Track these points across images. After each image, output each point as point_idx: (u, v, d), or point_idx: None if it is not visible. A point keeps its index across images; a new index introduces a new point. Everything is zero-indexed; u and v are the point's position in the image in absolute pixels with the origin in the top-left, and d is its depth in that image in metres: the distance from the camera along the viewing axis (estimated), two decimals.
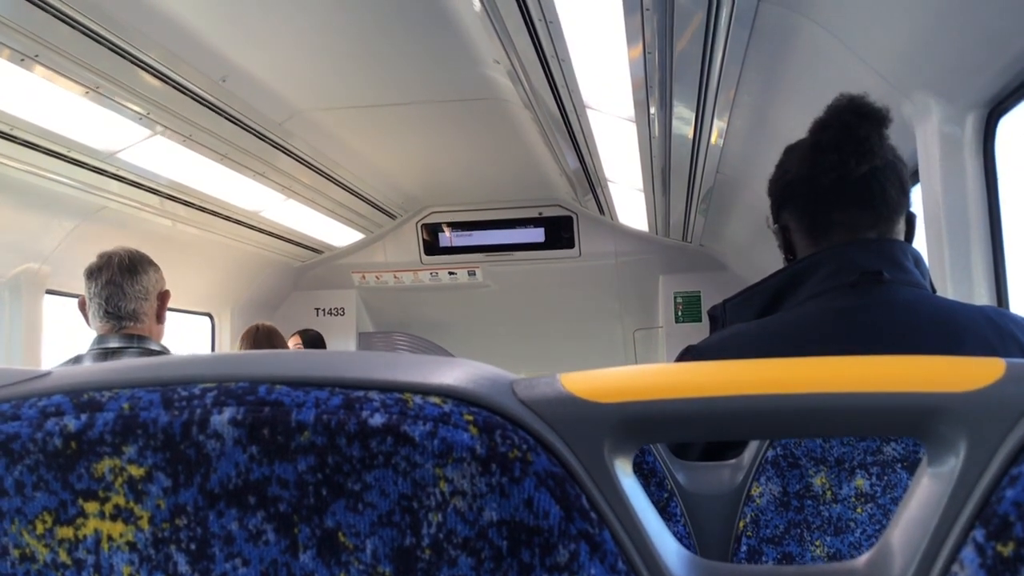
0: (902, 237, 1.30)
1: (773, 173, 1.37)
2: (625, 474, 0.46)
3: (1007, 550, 0.40)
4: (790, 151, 1.35)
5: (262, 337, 3.71)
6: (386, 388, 0.45)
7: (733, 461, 1.12)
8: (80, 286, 2.21)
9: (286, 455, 0.43)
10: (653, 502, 1.07)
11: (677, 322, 5.71)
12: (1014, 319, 1.19)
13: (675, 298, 5.72)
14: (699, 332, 5.13)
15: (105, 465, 0.44)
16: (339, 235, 5.56)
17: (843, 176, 1.24)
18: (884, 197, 1.26)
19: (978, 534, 0.41)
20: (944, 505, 0.42)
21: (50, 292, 3.71)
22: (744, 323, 1.28)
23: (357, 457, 0.43)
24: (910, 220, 1.31)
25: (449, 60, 3.20)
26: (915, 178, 2.14)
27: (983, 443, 0.42)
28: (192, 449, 0.44)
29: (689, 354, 1.29)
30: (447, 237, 5.80)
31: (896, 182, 1.27)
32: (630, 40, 2.48)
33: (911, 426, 0.45)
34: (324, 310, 6.14)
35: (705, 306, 5.63)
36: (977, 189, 1.97)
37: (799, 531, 1.05)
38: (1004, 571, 0.40)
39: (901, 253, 1.24)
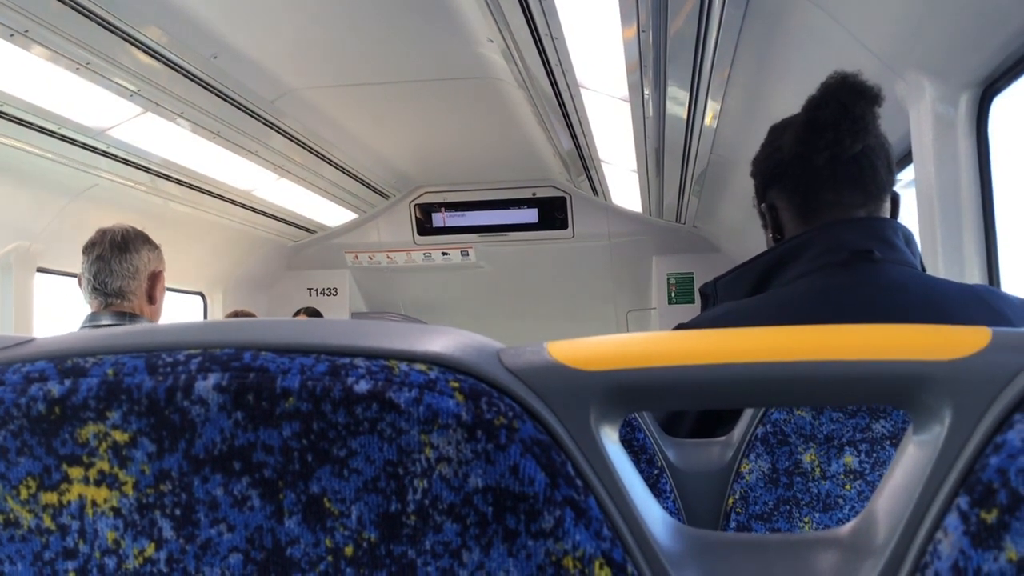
0: (888, 216, 1.30)
1: (759, 152, 1.37)
2: (611, 442, 0.46)
3: (991, 517, 0.40)
4: (778, 130, 1.35)
5: None
6: (372, 355, 0.45)
7: (723, 438, 1.13)
8: (70, 264, 2.21)
9: (271, 421, 0.43)
10: (643, 478, 1.07)
11: (670, 303, 5.72)
12: (1006, 298, 1.19)
13: (668, 279, 5.73)
14: (692, 313, 5.10)
15: (89, 430, 0.44)
16: (332, 214, 5.55)
17: (837, 155, 1.24)
18: (875, 176, 1.26)
19: (962, 501, 0.41)
20: (928, 473, 0.43)
21: (41, 270, 3.70)
22: (735, 301, 1.29)
23: (342, 423, 0.43)
24: (894, 200, 1.32)
25: (442, 39, 3.19)
26: (908, 158, 2.14)
27: (968, 411, 0.42)
28: (177, 415, 0.44)
29: None
30: (440, 217, 5.79)
31: (885, 161, 1.28)
32: (624, 20, 2.46)
33: (896, 394, 0.45)
34: (317, 290, 6.14)
35: (698, 287, 5.64)
36: (970, 169, 1.97)
37: (788, 508, 1.06)
38: (988, 538, 0.40)
39: (891, 232, 1.24)
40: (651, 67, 2.77)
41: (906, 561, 0.42)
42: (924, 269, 1.28)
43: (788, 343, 0.46)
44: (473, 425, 0.43)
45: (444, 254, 5.94)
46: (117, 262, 2.13)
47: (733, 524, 1.08)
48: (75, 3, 2.44)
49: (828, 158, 1.25)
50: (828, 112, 1.24)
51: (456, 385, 0.44)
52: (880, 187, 1.27)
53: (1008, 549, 0.39)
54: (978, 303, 1.16)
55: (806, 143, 1.27)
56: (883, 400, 0.46)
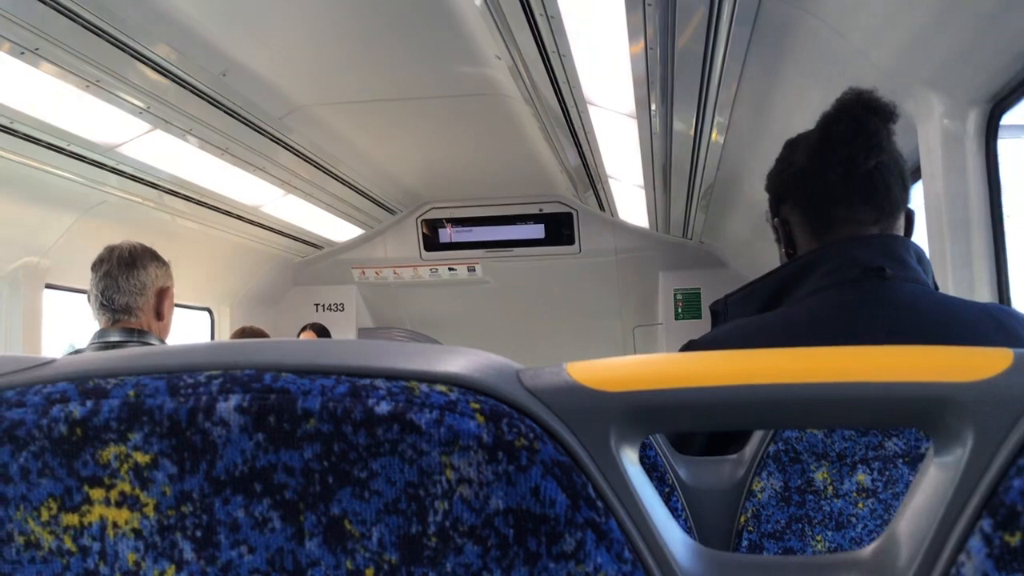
0: (902, 233, 1.30)
1: (773, 167, 1.37)
2: (631, 463, 0.46)
3: (1015, 540, 0.40)
4: (792, 145, 1.35)
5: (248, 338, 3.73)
6: (392, 376, 0.45)
7: (734, 456, 1.12)
8: (79, 280, 2.21)
9: (292, 442, 0.43)
10: None
11: (677, 319, 5.71)
12: (1019, 317, 1.18)
13: (675, 295, 5.72)
14: (699, 329, 5.11)
15: (110, 452, 0.44)
16: (339, 230, 5.56)
17: (850, 171, 1.24)
18: (888, 193, 1.26)
19: (985, 524, 0.41)
20: (951, 495, 0.42)
21: (49, 286, 3.71)
22: (745, 318, 1.28)
23: (363, 445, 0.43)
24: (909, 217, 1.31)
25: (450, 56, 3.20)
26: (916, 174, 2.14)
27: (990, 433, 0.42)
28: (198, 436, 0.44)
29: (691, 349, 1.29)
30: (447, 233, 5.79)
31: (899, 179, 1.27)
32: (632, 36, 2.47)
33: (917, 417, 0.45)
34: (324, 306, 6.14)
35: (705, 303, 5.64)
36: (979, 185, 1.97)
37: (800, 526, 1.05)
38: (1012, 561, 0.40)
39: (904, 249, 1.23)
40: (658, 83, 2.78)
41: None
42: (936, 287, 1.27)
43: (809, 365, 0.46)
44: (494, 446, 0.43)
45: (451, 270, 5.94)
46: (124, 278, 2.13)
47: (745, 543, 1.07)
48: (85, 21, 2.46)
49: (841, 174, 1.24)
50: (841, 128, 1.24)
51: (477, 406, 0.44)
52: (894, 204, 1.27)
53: None
54: (990, 322, 1.15)
55: (819, 158, 1.27)
56: (904, 423, 0.46)
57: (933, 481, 0.45)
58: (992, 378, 0.43)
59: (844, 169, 1.24)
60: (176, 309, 2.37)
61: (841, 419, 0.47)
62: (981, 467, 0.42)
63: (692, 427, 0.47)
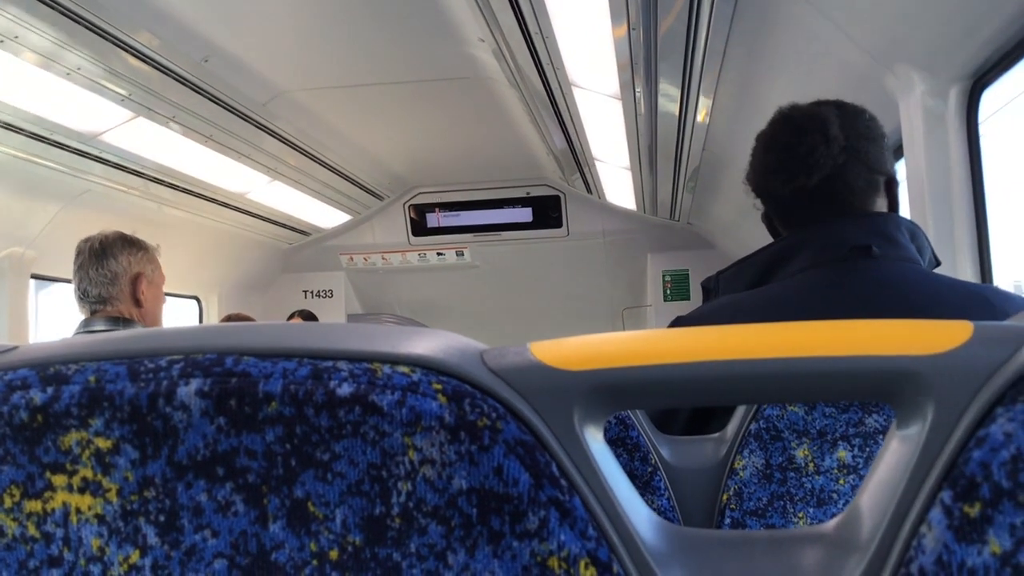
0: (885, 209, 1.29)
1: (749, 161, 1.37)
2: (596, 441, 0.46)
3: (974, 511, 0.40)
4: (757, 140, 1.35)
5: None
6: (354, 358, 0.45)
7: (716, 435, 1.13)
8: (65, 270, 2.21)
9: (254, 426, 0.43)
10: (637, 476, 1.08)
11: (666, 300, 5.72)
12: (1012, 299, 1.17)
13: (663, 276, 5.73)
14: (687, 310, 5.10)
15: (72, 438, 0.44)
16: (326, 217, 5.54)
17: (798, 188, 1.25)
18: (849, 192, 1.25)
19: (945, 495, 0.41)
20: (912, 468, 0.43)
21: (35, 277, 3.69)
22: (733, 295, 1.28)
23: (325, 427, 0.43)
24: (890, 188, 1.30)
25: (434, 39, 3.19)
26: (899, 152, 2.14)
27: (950, 405, 0.42)
28: (159, 421, 0.43)
29: (678, 324, 1.30)
30: (435, 217, 5.78)
31: (861, 170, 1.25)
32: (614, 18, 2.47)
33: (879, 389, 0.45)
34: (312, 292, 6.13)
35: (694, 284, 5.65)
36: (961, 162, 1.97)
37: (782, 503, 1.06)
38: (971, 532, 0.40)
39: (894, 227, 1.23)
40: (642, 65, 2.77)
41: (891, 556, 0.42)
42: (938, 261, 1.27)
43: (770, 340, 0.46)
44: (456, 427, 0.43)
45: (439, 254, 5.93)
46: (95, 269, 2.13)
47: (728, 520, 1.08)
48: (65, 9, 2.44)
49: (790, 192, 1.26)
50: (774, 156, 1.26)
51: (439, 387, 0.44)
52: (861, 196, 1.26)
53: (991, 543, 0.39)
54: (980, 303, 1.15)
55: (766, 180, 1.29)
56: (866, 396, 0.46)
57: (895, 454, 0.45)
58: (952, 351, 0.44)
59: (791, 188, 1.25)
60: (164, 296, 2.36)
61: (801, 393, 0.47)
62: (941, 439, 0.42)
63: (655, 404, 0.47)
